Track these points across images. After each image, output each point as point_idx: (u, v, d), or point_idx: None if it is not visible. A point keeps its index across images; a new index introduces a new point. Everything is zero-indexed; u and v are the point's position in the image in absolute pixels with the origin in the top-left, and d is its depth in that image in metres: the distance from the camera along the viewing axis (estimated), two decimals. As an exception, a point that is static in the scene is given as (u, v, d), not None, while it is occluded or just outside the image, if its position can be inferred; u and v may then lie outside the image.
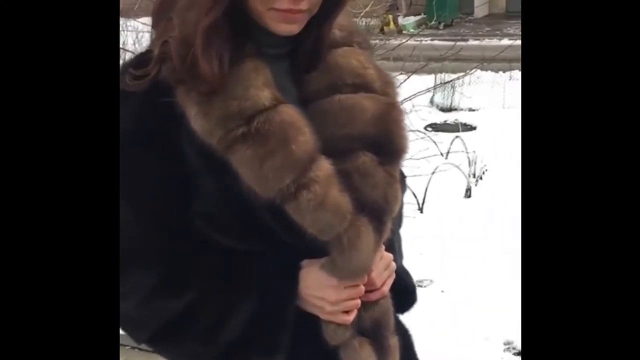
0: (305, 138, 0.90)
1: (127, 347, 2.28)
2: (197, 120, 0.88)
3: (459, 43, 5.06)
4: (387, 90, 1.00)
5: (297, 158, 0.88)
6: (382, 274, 0.99)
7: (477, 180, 4.62)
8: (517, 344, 2.68)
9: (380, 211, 0.95)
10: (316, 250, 0.93)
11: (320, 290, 0.94)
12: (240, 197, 0.90)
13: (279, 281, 0.95)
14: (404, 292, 1.07)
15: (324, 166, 0.91)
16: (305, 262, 0.96)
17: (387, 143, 0.96)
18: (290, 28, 0.92)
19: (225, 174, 0.90)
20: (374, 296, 0.98)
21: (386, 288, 1.00)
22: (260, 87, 0.90)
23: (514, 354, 2.64)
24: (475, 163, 4.64)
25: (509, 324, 2.77)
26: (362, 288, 0.96)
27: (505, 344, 2.70)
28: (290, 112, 0.91)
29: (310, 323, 0.96)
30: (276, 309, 0.94)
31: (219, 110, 0.88)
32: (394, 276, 1.02)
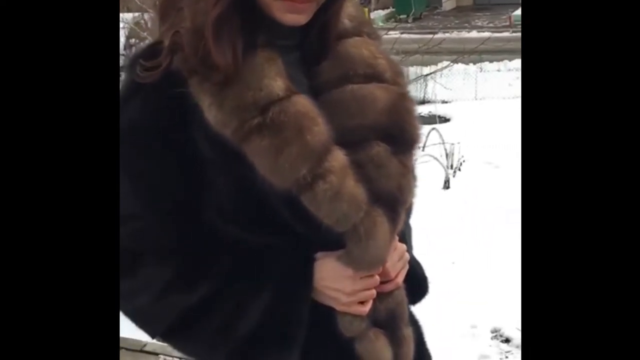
0: (319, 128, 0.89)
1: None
2: (211, 110, 0.87)
3: (432, 36, 5.10)
4: (397, 80, 0.99)
5: (312, 148, 0.87)
6: (396, 265, 0.98)
7: (454, 172, 4.66)
8: (505, 331, 2.72)
9: (394, 202, 0.94)
10: (330, 242, 0.93)
11: (336, 282, 0.94)
12: (255, 188, 0.89)
13: (293, 274, 0.94)
14: (416, 283, 1.07)
15: (339, 156, 0.90)
16: (319, 255, 0.95)
17: (400, 133, 0.96)
18: (297, 18, 0.91)
19: (240, 165, 0.88)
20: (388, 287, 0.98)
21: (400, 279, 1.00)
22: (273, 77, 0.89)
23: (502, 341, 2.68)
24: (452, 154, 4.69)
25: (495, 313, 2.81)
26: (378, 278, 0.95)
27: (492, 331, 2.74)
28: (303, 103, 0.90)
29: (325, 315, 0.95)
30: (291, 301, 0.93)
31: (234, 101, 0.87)
32: (407, 267, 1.02)
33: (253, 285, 0.93)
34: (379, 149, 0.94)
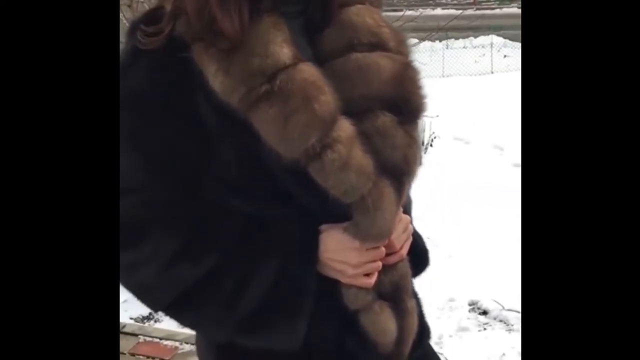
0: (326, 97, 0.87)
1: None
2: (217, 77, 0.84)
3: (402, 13, 5.08)
4: (401, 49, 0.97)
5: (320, 117, 0.85)
6: (401, 237, 0.98)
7: (426, 148, 4.69)
8: (482, 303, 2.76)
9: (400, 173, 0.93)
10: (336, 214, 0.91)
11: (342, 254, 0.92)
12: (261, 159, 0.87)
13: (298, 246, 0.93)
14: (419, 255, 1.06)
15: (346, 126, 0.88)
16: (324, 227, 0.93)
17: (405, 103, 0.94)
18: None
19: (245, 134, 0.86)
20: (393, 259, 0.97)
21: (405, 251, 0.99)
22: (280, 44, 0.86)
23: (479, 313, 2.72)
24: (424, 131, 4.71)
25: (472, 286, 2.85)
26: (384, 250, 0.94)
27: (470, 304, 2.78)
28: (310, 71, 0.87)
29: (330, 288, 0.94)
30: (297, 273, 0.92)
31: (240, 67, 0.84)
32: (411, 239, 1.01)
33: (259, 258, 0.92)
34: (385, 119, 0.92)
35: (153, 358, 2.42)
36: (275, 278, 0.91)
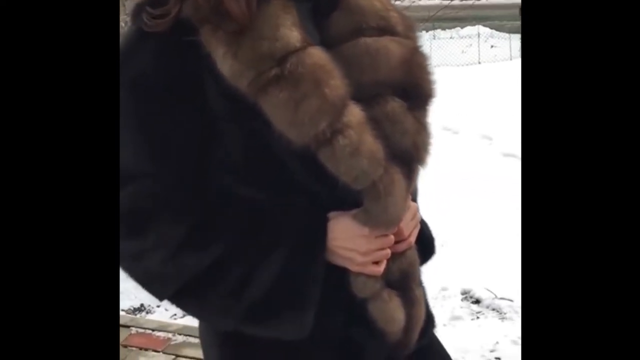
0: (336, 82, 0.85)
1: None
2: (225, 61, 0.82)
3: (396, 3, 5.06)
4: (409, 34, 0.96)
5: (331, 102, 0.84)
6: (409, 224, 0.96)
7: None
8: (475, 292, 2.77)
9: (410, 159, 0.92)
10: (345, 201, 0.90)
11: (351, 241, 0.91)
12: (269, 144, 0.85)
13: (306, 233, 0.91)
14: (425, 243, 1.05)
15: (356, 112, 0.87)
16: (332, 214, 0.92)
17: (414, 88, 0.93)
18: None
19: (254, 119, 0.84)
20: (402, 247, 0.96)
21: (413, 238, 0.98)
22: (289, 27, 0.84)
23: (472, 302, 2.73)
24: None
25: (465, 274, 2.85)
26: (393, 237, 0.93)
27: (462, 293, 2.78)
28: (320, 55, 0.86)
29: (337, 276, 0.93)
30: (305, 262, 0.90)
31: (249, 51, 0.82)
32: (419, 226, 1.00)
33: (265, 246, 0.90)
34: (394, 105, 0.91)
35: (145, 349, 2.40)
36: (283, 266, 0.90)
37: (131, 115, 0.86)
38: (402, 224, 0.95)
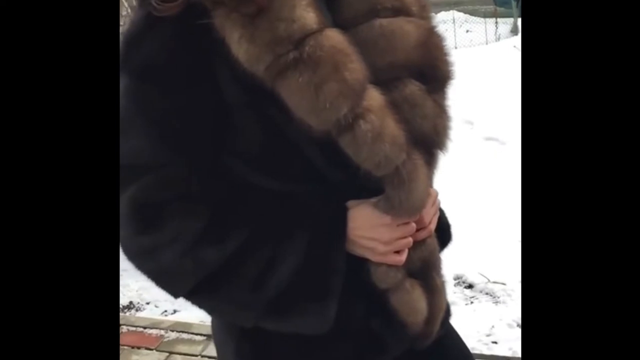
0: (355, 66, 0.81)
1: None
2: (241, 44, 0.78)
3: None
4: (424, 14, 0.92)
5: (351, 86, 0.80)
6: (430, 211, 0.94)
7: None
8: (467, 277, 2.77)
9: (430, 144, 0.89)
10: (365, 189, 0.87)
11: (372, 230, 0.88)
12: (287, 131, 0.82)
13: (327, 223, 0.88)
14: (443, 230, 1.03)
15: (376, 95, 0.83)
16: (351, 203, 0.89)
17: (432, 70, 0.90)
18: None
19: (271, 106, 0.80)
20: (422, 234, 0.93)
21: (433, 226, 0.95)
22: (305, 7, 0.80)
23: (465, 287, 2.73)
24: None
25: (456, 260, 2.84)
26: (414, 225, 0.90)
27: (455, 278, 2.78)
28: (337, 37, 0.82)
29: (357, 267, 0.90)
30: (326, 253, 0.87)
31: (266, 33, 0.78)
32: (438, 213, 0.97)
33: (285, 237, 0.86)
34: (413, 88, 0.87)
35: (139, 348, 2.35)
36: (303, 258, 0.86)
37: (141, 103, 0.81)
38: (424, 211, 0.92)
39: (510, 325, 2.47)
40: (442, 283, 0.98)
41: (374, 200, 0.87)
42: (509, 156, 4.01)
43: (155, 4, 0.78)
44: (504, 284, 2.73)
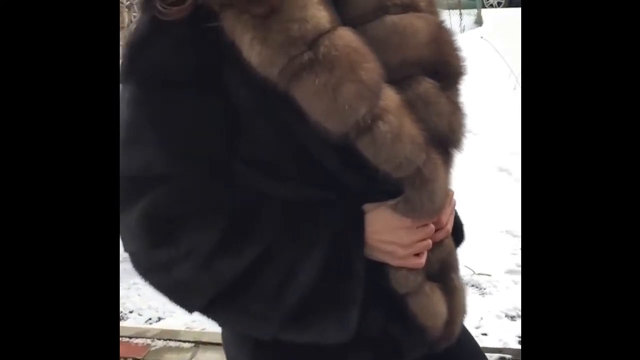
0: (370, 65, 0.79)
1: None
2: (253, 47, 0.74)
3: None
4: (432, 9, 0.90)
5: (368, 86, 0.77)
6: (447, 211, 0.91)
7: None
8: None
9: (446, 142, 0.87)
10: (382, 192, 0.84)
11: (392, 234, 0.85)
12: (301, 136, 0.79)
13: (345, 229, 0.85)
14: (457, 229, 1.01)
15: (392, 95, 0.81)
16: (367, 207, 0.86)
17: (444, 67, 0.88)
18: None
19: (284, 110, 0.77)
20: (440, 235, 0.91)
21: (450, 226, 0.93)
22: (317, 6, 0.78)
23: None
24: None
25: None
26: (433, 227, 0.88)
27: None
28: (350, 36, 0.79)
29: (375, 271, 0.87)
30: (345, 259, 0.84)
31: (279, 35, 0.75)
32: (454, 213, 0.95)
33: (303, 245, 0.83)
34: (427, 86, 0.85)
35: (126, 358, 2.28)
36: (322, 266, 0.83)
37: (151, 112, 0.77)
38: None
39: (498, 317, 2.48)
40: (461, 283, 0.96)
41: (391, 202, 0.85)
42: (484, 148, 4.04)
43: (160, 8, 0.74)
44: (489, 275, 2.74)
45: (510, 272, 2.80)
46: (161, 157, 0.78)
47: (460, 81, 0.90)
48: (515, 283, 2.75)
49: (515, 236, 3.14)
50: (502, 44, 6.22)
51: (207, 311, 0.84)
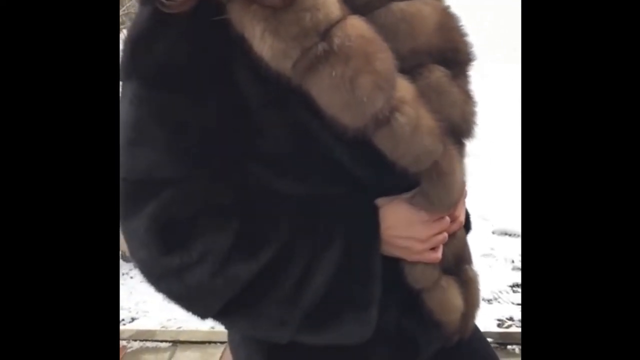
0: (384, 55, 0.75)
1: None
2: (265, 40, 0.70)
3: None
4: None
5: (384, 77, 0.74)
6: (461, 202, 0.89)
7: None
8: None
9: (460, 132, 0.84)
10: (396, 187, 0.82)
11: (408, 229, 0.83)
12: (315, 132, 0.75)
13: (360, 226, 0.82)
14: (466, 219, 0.99)
15: (406, 85, 0.77)
16: (380, 201, 0.83)
17: (454, 54, 0.85)
18: None
19: (297, 105, 0.74)
20: (454, 227, 0.88)
21: (463, 217, 0.91)
22: None
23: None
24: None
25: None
26: (448, 219, 0.86)
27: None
28: (362, 26, 0.75)
29: (390, 267, 0.84)
30: (362, 257, 0.81)
31: (291, 26, 0.70)
32: (465, 204, 0.93)
33: (318, 244, 0.80)
34: (439, 74, 0.82)
35: (102, 362, 2.21)
36: (338, 266, 0.80)
37: (157, 111, 0.72)
38: None
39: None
40: (475, 274, 0.94)
41: (406, 196, 0.82)
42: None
43: (163, 1, 0.69)
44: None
45: (485, 255, 2.83)
46: (169, 158, 0.74)
47: (469, 68, 0.88)
48: (490, 267, 2.78)
49: (485, 220, 3.18)
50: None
51: (221, 316, 0.80)
